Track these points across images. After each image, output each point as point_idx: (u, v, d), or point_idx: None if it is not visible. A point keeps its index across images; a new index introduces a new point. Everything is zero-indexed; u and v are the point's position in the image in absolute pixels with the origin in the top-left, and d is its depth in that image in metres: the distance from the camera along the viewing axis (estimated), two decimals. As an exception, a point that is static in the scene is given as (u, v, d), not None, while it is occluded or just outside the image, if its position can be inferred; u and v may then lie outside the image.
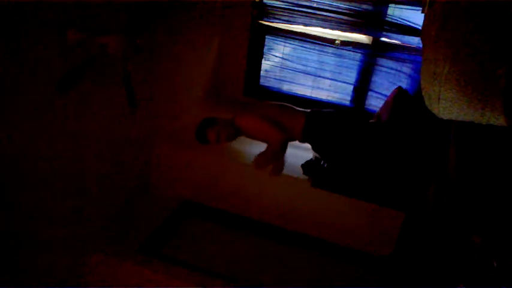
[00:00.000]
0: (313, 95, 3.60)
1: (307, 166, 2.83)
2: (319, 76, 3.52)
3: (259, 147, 2.89)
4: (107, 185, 2.53)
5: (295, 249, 2.81)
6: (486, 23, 1.06)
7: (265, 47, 3.55)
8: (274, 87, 3.69)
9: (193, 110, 3.43)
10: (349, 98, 3.52)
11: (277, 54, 3.57)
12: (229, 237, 2.88)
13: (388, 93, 3.20)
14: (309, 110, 2.42)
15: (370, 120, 2.83)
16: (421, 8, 1.90)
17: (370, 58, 3.30)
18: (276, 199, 2.91)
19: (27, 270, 2.04)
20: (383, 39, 3.20)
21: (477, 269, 1.42)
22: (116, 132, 2.48)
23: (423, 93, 1.39)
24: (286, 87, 3.65)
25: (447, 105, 1.22)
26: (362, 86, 3.42)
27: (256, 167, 2.36)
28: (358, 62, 3.36)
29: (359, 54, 3.33)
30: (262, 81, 3.69)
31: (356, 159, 2.49)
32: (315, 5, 3.19)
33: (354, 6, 3.11)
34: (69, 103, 2.00)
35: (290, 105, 2.48)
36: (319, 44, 3.37)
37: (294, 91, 3.64)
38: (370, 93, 3.43)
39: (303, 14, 3.23)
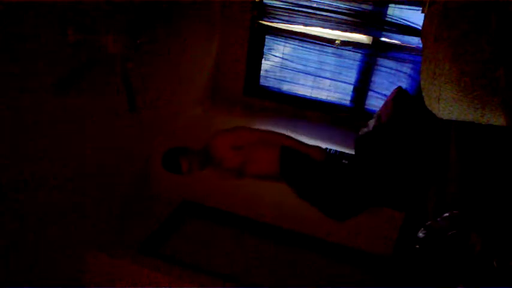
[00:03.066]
0: (313, 95, 3.60)
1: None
2: (319, 76, 3.52)
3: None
4: (106, 184, 2.53)
5: (295, 249, 2.81)
6: (486, 22, 1.06)
7: (265, 47, 3.55)
8: (274, 87, 3.69)
9: (193, 110, 3.44)
10: (349, 98, 3.52)
11: (277, 54, 3.57)
12: (229, 237, 2.88)
13: (388, 93, 3.20)
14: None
15: (370, 121, 2.83)
16: (421, 8, 1.90)
17: (370, 58, 3.30)
18: (276, 199, 2.91)
19: (27, 270, 2.04)
20: (383, 39, 3.20)
21: (477, 269, 1.42)
22: (115, 133, 2.48)
23: (423, 93, 1.39)
24: (286, 87, 3.66)
25: (447, 105, 1.22)
26: (362, 86, 3.42)
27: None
28: (358, 62, 3.36)
29: (359, 54, 3.33)
30: (262, 81, 3.69)
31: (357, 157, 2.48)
32: (315, 5, 3.19)
33: (353, 6, 3.11)
34: (68, 103, 2.00)
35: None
36: (319, 44, 3.37)
37: (294, 91, 3.65)
38: (370, 93, 3.43)
39: (303, 14, 3.23)
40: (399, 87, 3.05)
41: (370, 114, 3.23)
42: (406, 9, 3.05)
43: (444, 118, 1.34)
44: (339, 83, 3.49)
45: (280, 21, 3.34)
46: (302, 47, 3.44)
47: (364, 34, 3.23)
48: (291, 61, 3.54)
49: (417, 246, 1.72)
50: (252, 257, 2.70)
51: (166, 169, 2.28)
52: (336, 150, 3.02)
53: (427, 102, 1.38)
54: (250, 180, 2.94)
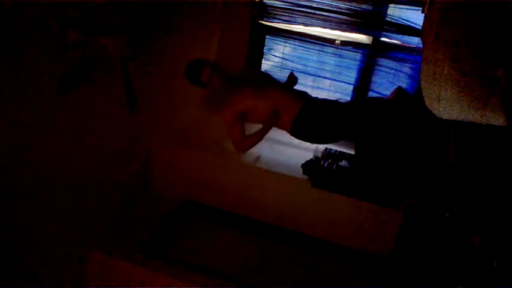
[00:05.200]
0: (313, 95, 3.59)
1: (307, 166, 2.83)
2: (319, 76, 3.52)
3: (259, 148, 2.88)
4: (106, 185, 2.53)
5: (295, 249, 2.81)
6: (486, 23, 1.06)
7: (265, 47, 3.55)
8: (274, 87, 3.69)
9: (193, 110, 3.43)
10: (349, 98, 3.52)
11: (277, 54, 3.57)
12: (229, 237, 2.87)
13: (388, 93, 3.19)
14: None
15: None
16: (421, 8, 1.90)
17: (370, 58, 3.30)
18: (276, 199, 2.91)
19: (27, 270, 2.04)
20: (383, 39, 3.20)
21: (477, 269, 1.42)
22: (115, 132, 2.48)
23: (423, 93, 1.39)
24: (286, 87, 3.66)
25: (447, 105, 1.22)
26: (362, 86, 3.41)
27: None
28: (358, 62, 3.36)
29: (359, 54, 3.33)
30: (262, 81, 3.69)
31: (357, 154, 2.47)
32: (315, 5, 3.18)
33: (354, 6, 3.11)
34: (69, 103, 2.00)
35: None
36: (319, 44, 3.37)
37: (293, 91, 3.64)
38: (370, 93, 3.43)
39: (303, 14, 3.23)
40: (399, 87, 3.05)
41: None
42: (406, 9, 3.05)
43: (444, 118, 1.34)
44: (339, 83, 3.49)
45: (280, 21, 3.34)
46: (302, 47, 3.44)
47: (364, 34, 3.23)
48: (291, 61, 3.54)
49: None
50: (252, 257, 2.70)
51: (187, 75, 2.24)
52: (335, 150, 3.01)
53: (427, 102, 1.38)
54: (250, 180, 2.93)
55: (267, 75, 2.34)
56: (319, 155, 2.93)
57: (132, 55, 2.07)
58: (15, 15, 1.60)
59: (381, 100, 2.62)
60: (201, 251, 2.69)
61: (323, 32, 3.30)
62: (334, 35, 3.29)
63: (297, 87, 3.66)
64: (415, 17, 3.00)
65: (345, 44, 3.30)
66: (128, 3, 2.18)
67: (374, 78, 3.37)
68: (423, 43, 1.62)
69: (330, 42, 3.32)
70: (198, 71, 2.19)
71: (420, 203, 2.09)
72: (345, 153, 3.00)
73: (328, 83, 3.52)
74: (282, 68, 3.60)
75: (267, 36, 3.49)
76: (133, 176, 2.91)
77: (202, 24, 3.25)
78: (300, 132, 2.24)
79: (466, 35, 1.10)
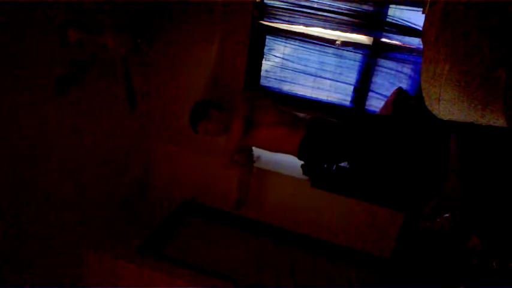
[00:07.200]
0: (313, 96, 3.60)
1: (307, 166, 2.83)
2: (320, 76, 3.52)
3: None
4: (106, 185, 2.53)
5: (295, 249, 2.81)
6: (486, 23, 1.06)
7: (266, 47, 3.55)
8: (274, 88, 3.69)
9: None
10: (349, 99, 3.52)
11: (277, 55, 3.57)
12: (228, 237, 2.88)
13: (389, 93, 3.20)
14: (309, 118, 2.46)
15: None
16: (421, 9, 1.90)
17: (371, 59, 3.30)
18: (276, 199, 2.91)
19: (27, 270, 2.04)
20: (383, 39, 3.20)
21: (477, 270, 1.42)
22: (115, 132, 2.48)
23: (423, 94, 1.39)
24: (286, 87, 3.65)
25: (447, 105, 1.22)
26: (362, 87, 3.41)
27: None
28: (358, 63, 3.36)
29: (359, 55, 3.33)
30: (262, 81, 3.69)
31: (357, 157, 2.48)
32: (315, 5, 3.19)
33: (354, 6, 3.11)
34: (68, 103, 2.00)
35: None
36: (319, 44, 3.37)
37: (294, 91, 3.64)
38: (370, 93, 3.42)
39: (304, 14, 3.23)
40: (399, 88, 3.05)
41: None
42: (407, 9, 3.05)
43: (444, 119, 1.34)
44: (339, 84, 3.49)
45: (281, 21, 3.34)
46: (303, 47, 3.44)
47: (365, 35, 3.23)
48: (292, 61, 3.54)
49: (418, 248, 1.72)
50: (252, 257, 2.70)
51: (190, 124, 2.48)
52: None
53: (427, 103, 1.38)
54: (250, 180, 2.93)
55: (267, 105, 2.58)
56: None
57: (132, 54, 2.07)
58: (14, 15, 1.60)
59: (381, 118, 2.70)
60: (201, 251, 2.69)
61: (323, 33, 3.31)
62: (335, 35, 3.30)
63: (297, 87, 3.68)
64: (415, 17, 3.00)
65: (346, 44, 3.30)
66: (128, 3, 2.18)
67: (374, 79, 3.37)
68: (424, 44, 1.62)
69: (331, 42, 3.33)
70: (195, 126, 2.57)
71: (437, 204, 2.10)
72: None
73: (329, 83, 3.52)
74: (283, 68, 3.60)
75: (267, 37, 3.49)
76: (133, 176, 2.91)
77: (203, 24, 3.25)
78: (308, 157, 2.47)
79: (466, 35, 1.10)
